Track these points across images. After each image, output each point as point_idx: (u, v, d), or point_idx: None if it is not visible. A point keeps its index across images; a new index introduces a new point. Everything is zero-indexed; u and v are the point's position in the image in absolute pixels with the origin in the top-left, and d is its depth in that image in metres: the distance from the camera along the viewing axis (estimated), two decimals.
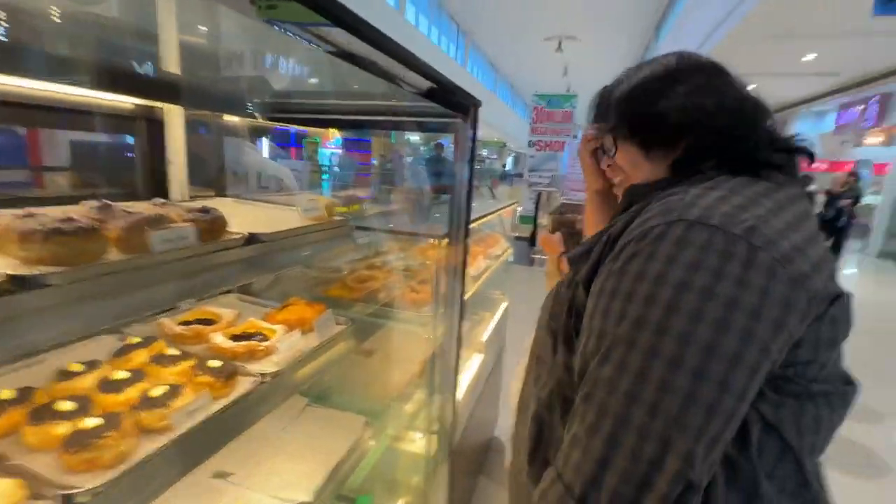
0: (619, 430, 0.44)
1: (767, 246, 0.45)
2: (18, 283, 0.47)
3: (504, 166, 22.13)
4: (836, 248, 7.24)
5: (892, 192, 8.52)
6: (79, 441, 0.54)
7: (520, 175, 9.08)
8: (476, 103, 0.90)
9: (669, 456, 0.42)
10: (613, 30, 15.76)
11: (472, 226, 1.60)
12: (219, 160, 1.18)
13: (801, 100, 10.84)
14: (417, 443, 1.23)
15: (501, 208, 2.01)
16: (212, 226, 0.66)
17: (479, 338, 1.94)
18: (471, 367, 1.82)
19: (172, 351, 0.78)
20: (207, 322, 0.94)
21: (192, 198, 1.11)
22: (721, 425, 0.43)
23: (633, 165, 0.66)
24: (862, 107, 9.82)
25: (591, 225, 0.87)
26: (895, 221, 8.57)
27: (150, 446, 0.60)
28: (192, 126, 1.15)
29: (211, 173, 1.18)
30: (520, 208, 7.99)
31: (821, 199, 8.08)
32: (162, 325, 0.89)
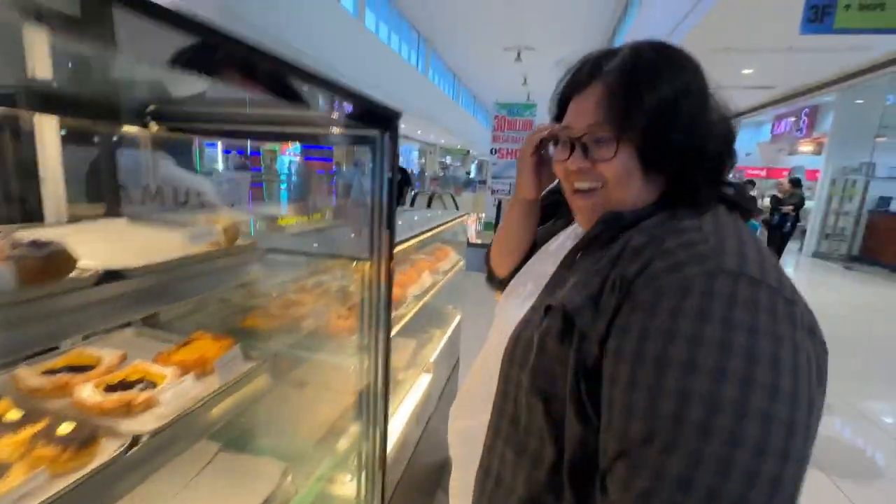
0: None
1: (794, 297, 0.44)
2: None
3: (468, 173, 22.34)
4: (779, 252, 7.63)
5: (823, 198, 9.18)
6: None
7: (483, 182, 9.13)
8: (395, 115, 0.81)
9: None
10: (569, 42, 16.30)
11: (413, 242, 1.51)
12: (111, 174, 1.03)
13: (742, 111, 11.57)
14: (348, 485, 1.12)
15: (446, 223, 1.93)
16: (46, 263, 0.54)
17: (428, 357, 1.85)
18: (418, 389, 1.73)
19: (13, 413, 0.63)
20: (82, 369, 0.80)
21: (75, 218, 0.96)
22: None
23: (624, 178, 0.54)
24: (794, 118, 10.60)
25: (507, 238, 0.76)
26: (826, 224, 9.23)
27: None
28: (74, 137, 1.00)
29: (102, 189, 1.03)
30: (483, 214, 8.01)
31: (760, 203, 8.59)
32: (16, 377, 0.73)
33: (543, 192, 0.75)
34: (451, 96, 22.83)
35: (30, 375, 0.74)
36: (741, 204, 0.57)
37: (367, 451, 1.04)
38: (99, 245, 0.72)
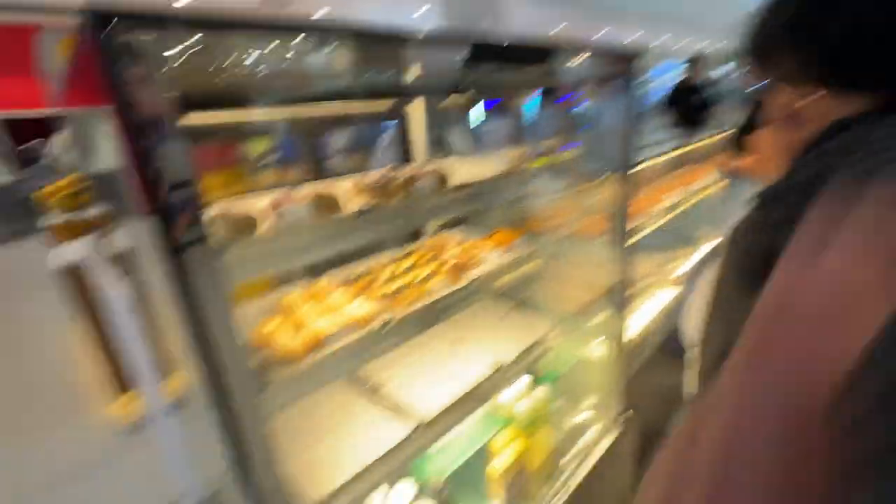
0: None
1: None
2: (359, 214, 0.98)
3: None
4: None
5: None
6: (394, 292, 1.07)
7: None
8: (633, 55, 1.01)
9: None
10: None
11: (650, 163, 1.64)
12: (442, 133, 1.65)
13: None
14: (598, 347, 1.50)
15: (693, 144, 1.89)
16: (441, 179, 1.09)
17: (673, 272, 1.98)
18: (665, 297, 1.91)
19: (427, 258, 1.29)
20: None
21: (430, 159, 1.62)
22: None
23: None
24: None
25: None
26: None
27: (417, 303, 1.09)
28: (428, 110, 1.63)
29: (440, 143, 1.67)
30: None
31: None
32: (423, 244, 1.42)
33: None
34: None
35: (427, 244, 1.41)
36: None
37: (610, 322, 1.39)
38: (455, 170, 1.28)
